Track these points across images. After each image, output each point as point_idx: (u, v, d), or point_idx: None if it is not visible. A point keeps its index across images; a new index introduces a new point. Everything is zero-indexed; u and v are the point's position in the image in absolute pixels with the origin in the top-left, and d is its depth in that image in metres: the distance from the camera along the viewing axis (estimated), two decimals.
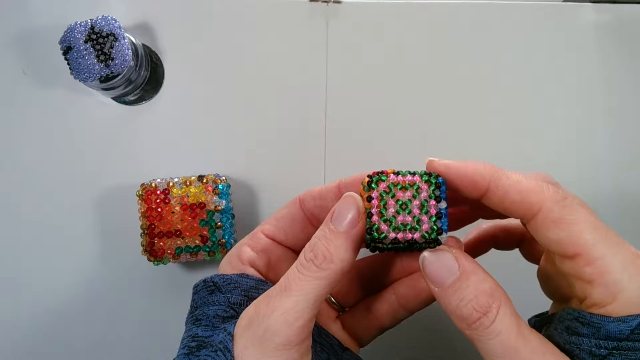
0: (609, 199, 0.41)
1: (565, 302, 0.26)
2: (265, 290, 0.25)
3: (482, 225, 0.31)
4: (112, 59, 0.38)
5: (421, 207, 0.25)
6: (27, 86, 0.42)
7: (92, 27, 0.38)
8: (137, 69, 0.40)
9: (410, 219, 0.25)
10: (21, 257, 0.42)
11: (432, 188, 0.25)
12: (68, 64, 0.38)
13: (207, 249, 0.38)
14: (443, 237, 0.25)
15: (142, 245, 0.38)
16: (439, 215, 0.24)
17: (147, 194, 0.38)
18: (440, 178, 0.25)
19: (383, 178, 0.25)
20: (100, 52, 0.38)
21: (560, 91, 0.42)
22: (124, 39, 0.38)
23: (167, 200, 0.38)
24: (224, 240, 0.38)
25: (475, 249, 0.31)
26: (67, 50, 0.38)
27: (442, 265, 0.23)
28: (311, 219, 0.30)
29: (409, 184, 0.25)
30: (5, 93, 0.42)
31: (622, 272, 0.21)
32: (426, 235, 0.24)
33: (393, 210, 0.25)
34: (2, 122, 0.42)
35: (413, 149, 0.42)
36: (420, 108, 0.42)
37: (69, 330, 0.41)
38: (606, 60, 0.43)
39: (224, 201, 0.38)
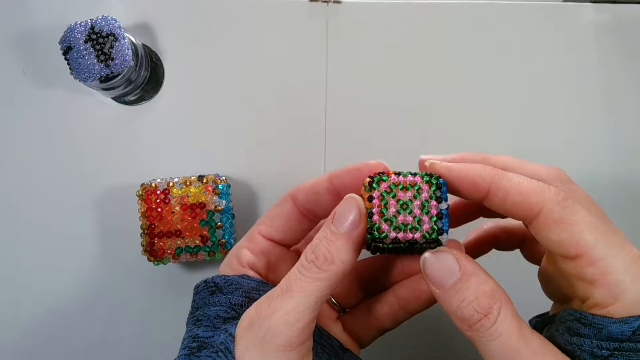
0: (609, 198, 0.41)
1: (567, 302, 0.26)
2: (266, 291, 0.25)
3: (482, 226, 0.31)
4: (112, 59, 0.38)
5: (422, 207, 0.25)
6: (27, 86, 0.42)
7: (92, 27, 0.38)
8: (137, 69, 0.40)
9: (411, 218, 0.25)
10: (21, 257, 0.42)
11: (433, 189, 0.25)
12: (68, 64, 0.38)
13: (207, 249, 0.38)
14: (444, 238, 0.25)
15: (142, 245, 0.38)
16: (439, 216, 0.24)
17: (147, 194, 0.38)
18: (441, 179, 0.25)
19: (384, 178, 0.25)
20: (100, 52, 0.38)
21: (560, 91, 0.42)
22: (124, 39, 0.38)
23: (167, 200, 0.38)
24: (224, 240, 0.38)
25: (476, 249, 0.31)
26: (67, 50, 0.38)
27: (443, 266, 0.23)
28: (306, 213, 0.29)
29: (410, 185, 0.25)
30: (5, 93, 0.42)
31: (625, 273, 0.21)
32: (427, 235, 0.24)
33: (394, 210, 0.25)
34: (2, 122, 0.42)
35: (413, 149, 0.42)
36: (420, 108, 0.42)
37: (69, 330, 0.41)
38: (606, 60, 0.43)
39: (224, 201, 0.38)
